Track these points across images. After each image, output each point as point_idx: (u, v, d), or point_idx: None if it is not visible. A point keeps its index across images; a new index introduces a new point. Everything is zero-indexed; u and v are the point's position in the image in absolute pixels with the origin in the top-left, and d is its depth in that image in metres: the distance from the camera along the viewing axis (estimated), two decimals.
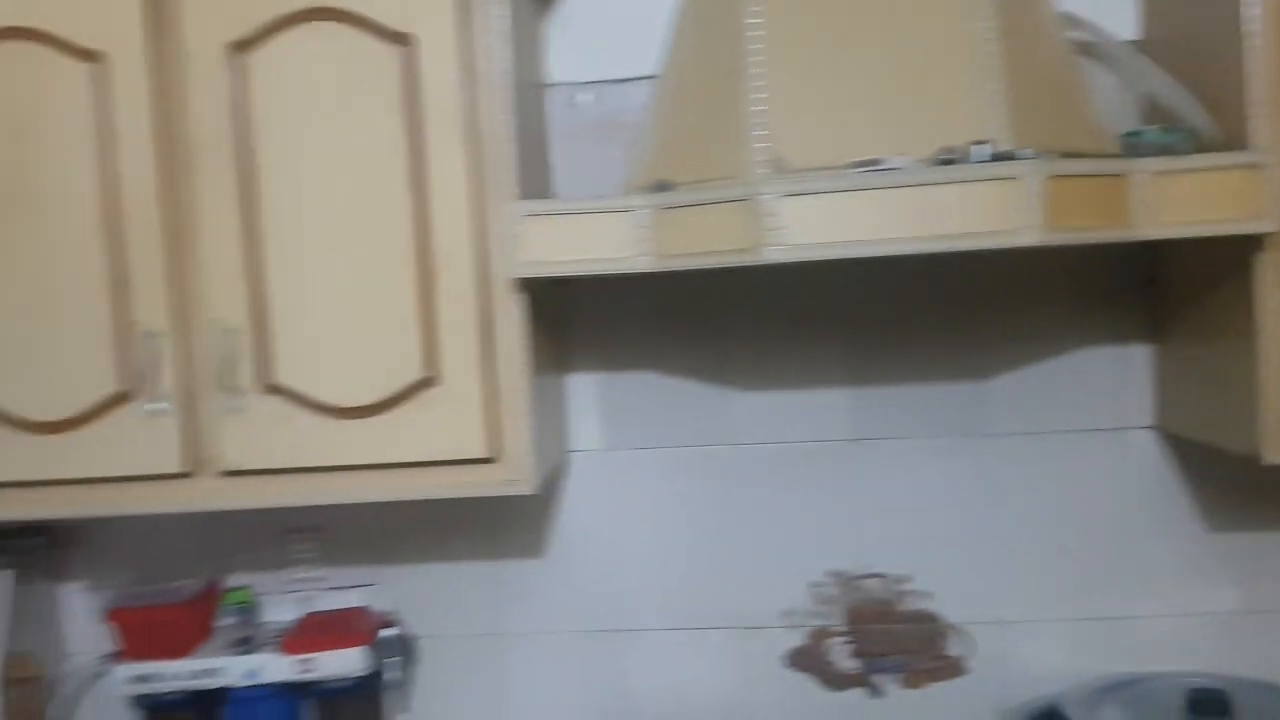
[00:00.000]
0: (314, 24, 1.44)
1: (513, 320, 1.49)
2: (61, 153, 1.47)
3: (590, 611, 1.85)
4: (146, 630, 1.76)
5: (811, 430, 1.78)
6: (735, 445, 1.80)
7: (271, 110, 1.46)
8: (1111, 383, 1.75)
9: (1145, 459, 1.75)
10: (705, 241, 1.33)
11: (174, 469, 1.50)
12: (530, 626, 1.86)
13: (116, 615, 1.76)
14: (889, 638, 1.80)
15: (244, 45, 1.45)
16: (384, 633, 1.79)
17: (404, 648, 1.82)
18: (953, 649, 1.78)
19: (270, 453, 1.50)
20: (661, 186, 1.39)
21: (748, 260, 1.30)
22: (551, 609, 1.85)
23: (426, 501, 1.79)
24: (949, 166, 1.30)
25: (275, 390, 1.49)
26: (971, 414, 1.77)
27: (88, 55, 1.46)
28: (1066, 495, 1.76)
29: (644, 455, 1.82)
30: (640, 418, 1.81)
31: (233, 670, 1.74)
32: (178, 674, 1.74)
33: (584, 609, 1.85)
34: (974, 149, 1.30)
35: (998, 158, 1.30)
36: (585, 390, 1.83)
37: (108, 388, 1.49)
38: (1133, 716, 1.54)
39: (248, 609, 1.81)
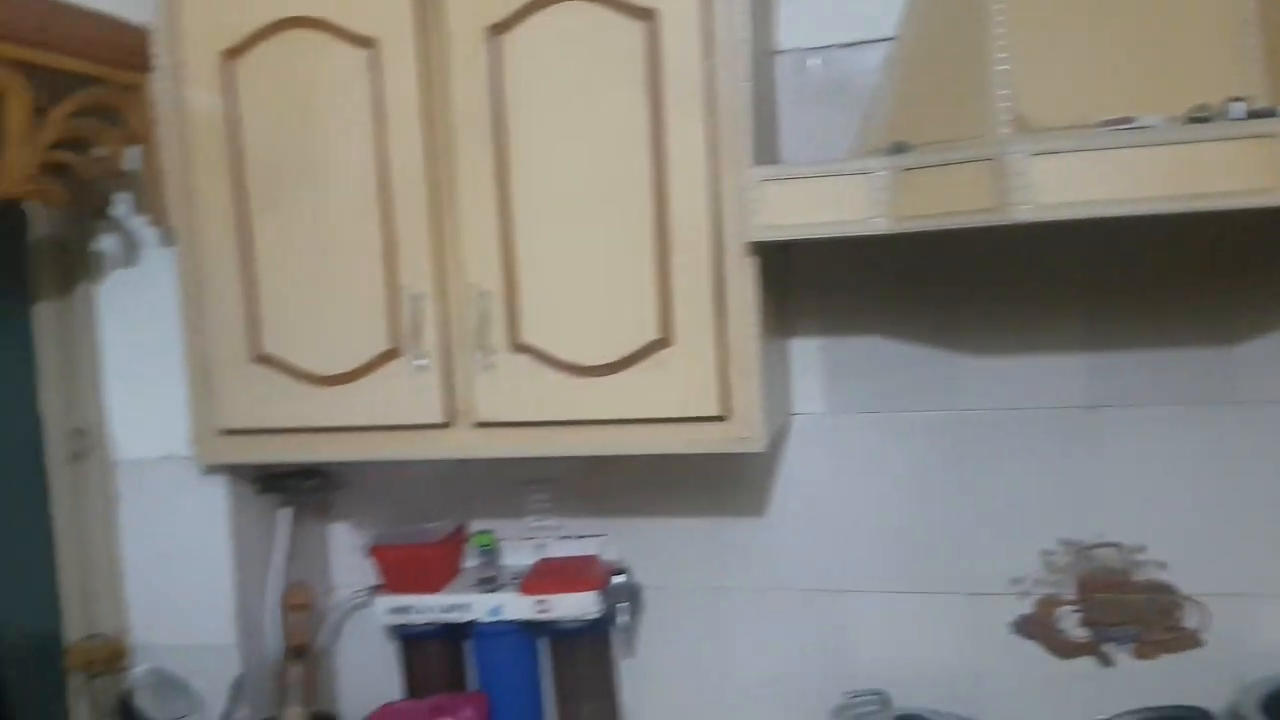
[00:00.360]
0: (565, 4, 1.53)
1: (745, 283, 1.55)
2: (340, 131, 1.62)
3: (810, 571, 1.89)
4: (404, 566, 1.93)
5: (1046, 396, 1.75)
6: (965, 410, 1.79)
7: (524, 87, 1.56)
8: None
9: None
10: (947, 203, 1.34)
11: (434, 419, 1.64)
12: (750, 582, 1.92)
13: (378, 552, 1.94)
14: (1121, 607, 1.76)
15: (501, 27, 1.56)
16: (614, 580, 1.90)
17: (632, 595, 1.92)
18: (1188, 621, 1.73)
19: (518, 407, 1.62)
20: (899, 149, 1.40)
21: (993, 220, 1.30)
22: (771, 566, 1.91)
23: (654, 460, 1.90)
24: (1204, 124, 1.26)
25: (523, 349, 1.60)
26: (1215, 381, 1.70)
27: (363, 41, 1.60)
28: None
29: (868, 419, 1.84)
30: (865, 382, 1.83)
31: (478, 606, 1.89)
32: (430, 607, 1.90)
33: (804, 568, 1.89)
34: (1230, 106, 1.26)
35: (1254, 115, 1.25)
36: (809, 353, 1.86)
37: (380, 345, 1.64)
38: None
39: (491, 551, 1.95)
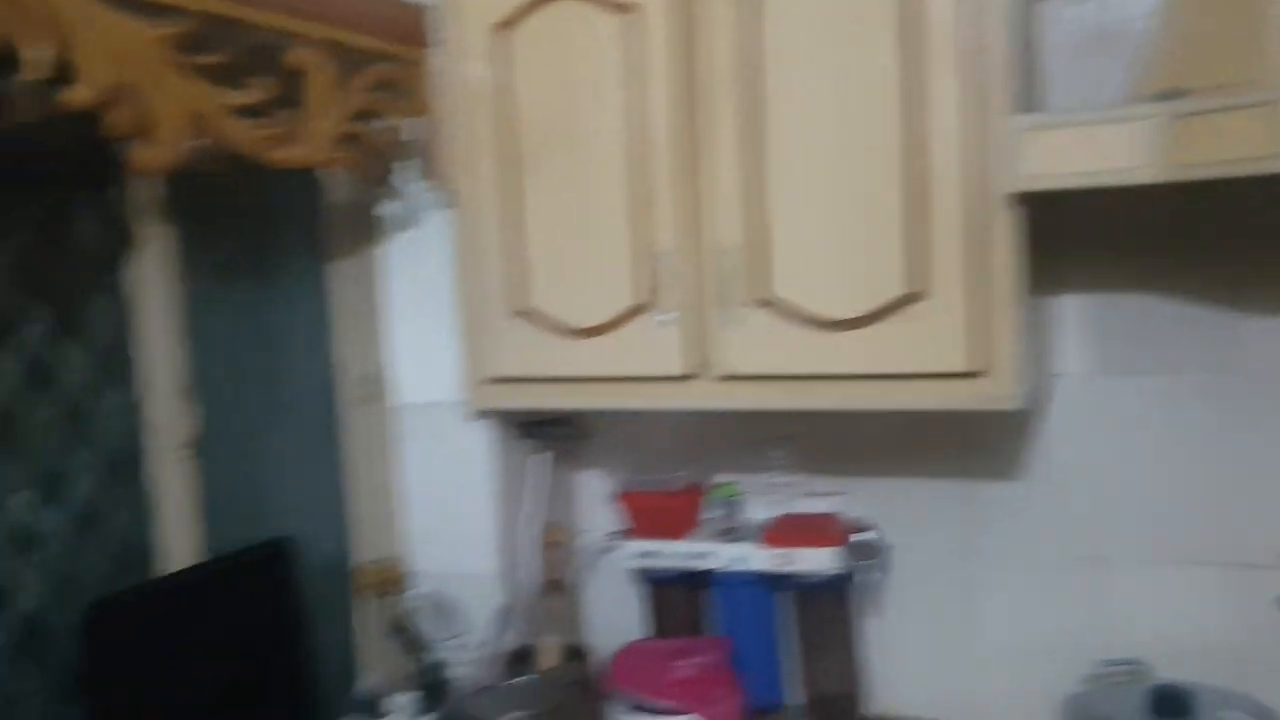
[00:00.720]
0: None
1: (1005, 235, 1.52)
2: (599, 97, 1.71)
3: (1069, 538, 1.84)
4: (650, 513, 2.02)
5: None
6: (1237, 372, 1.70)
7: (780, 42, 1.59)
8: None
9: None
10: (1222, 150, 1.28)
11: (678, 372, 1.71)
12: (1001, 547, 1.89)
13: (627, 498, 2.05)
14: None
15: None
16: (858, 537, 1.91)
17: (876, 553, 1.93)
18: None
19: (762, 360, 1.66)
20: (1171, 94, 1.34)
21: (1272, 169, 1.23)
22: (1026, 532, 1.87)
23: (901, 418, 1.90)
24: None
25: (770, 303, 1.64)
26: None
27: (621, 9, 1.68)
28: None
29: (1134, 381, 1.77)
30: (1131, 341, 1.76)
31: (720, 555, 1.96)
32: (674, 553, 1.99)
33: (1062, 535, 1.84)
34: None
35: None
36: (1071, 311, 1.80)
37: (628, 300, 1.73)
38: None
39: (733, 502, 2.01)
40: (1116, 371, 1.78)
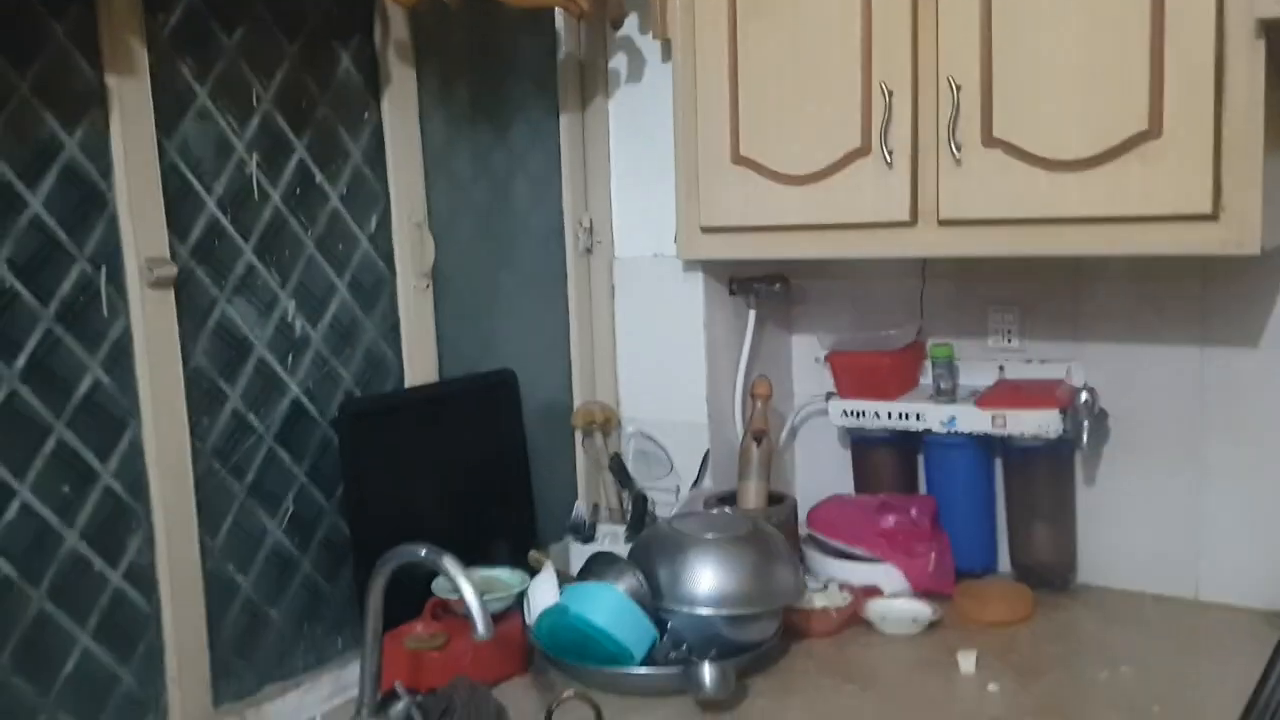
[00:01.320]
0: None
1: (1250, 68, 1.42)
2: None
3: None
4: (859, 373, 2.03)
5: None
6: None
7: None
8: None
9: None
10: None
11: (900, 217, 1.70)
12: (1233, 419, 1.79)
13: (835, 358, 2.06)
14: None
15: None
16: (1079, 400, 1.85)
17: (1095, 418, 1.86)
18: None
19: (988, 203, 1.63)
20: None
21: None
22: (1260, 402, 1.76)
23: (1129, 281, 1.83)
24: None
25: (996, 143, 1.60)
26: None
27: None
28: None
29: None
30: None
31: (932, 416, 1.94)
32: (884, 413, 1.99)
33: None
34: None
35: None
36: None
37: (850, 143, 1.72)
38: None
39: (949, 363, 1.98)
40: None
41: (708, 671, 1.52)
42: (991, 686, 1.58)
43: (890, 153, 1.67)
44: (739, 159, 1.83)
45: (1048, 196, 1.57)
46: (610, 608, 1.61)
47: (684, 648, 1.60)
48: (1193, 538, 1.84)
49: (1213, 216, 1.47)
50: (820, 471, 2.17)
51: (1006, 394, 1.91)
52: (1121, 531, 1.90)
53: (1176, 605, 1.83)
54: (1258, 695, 1.50)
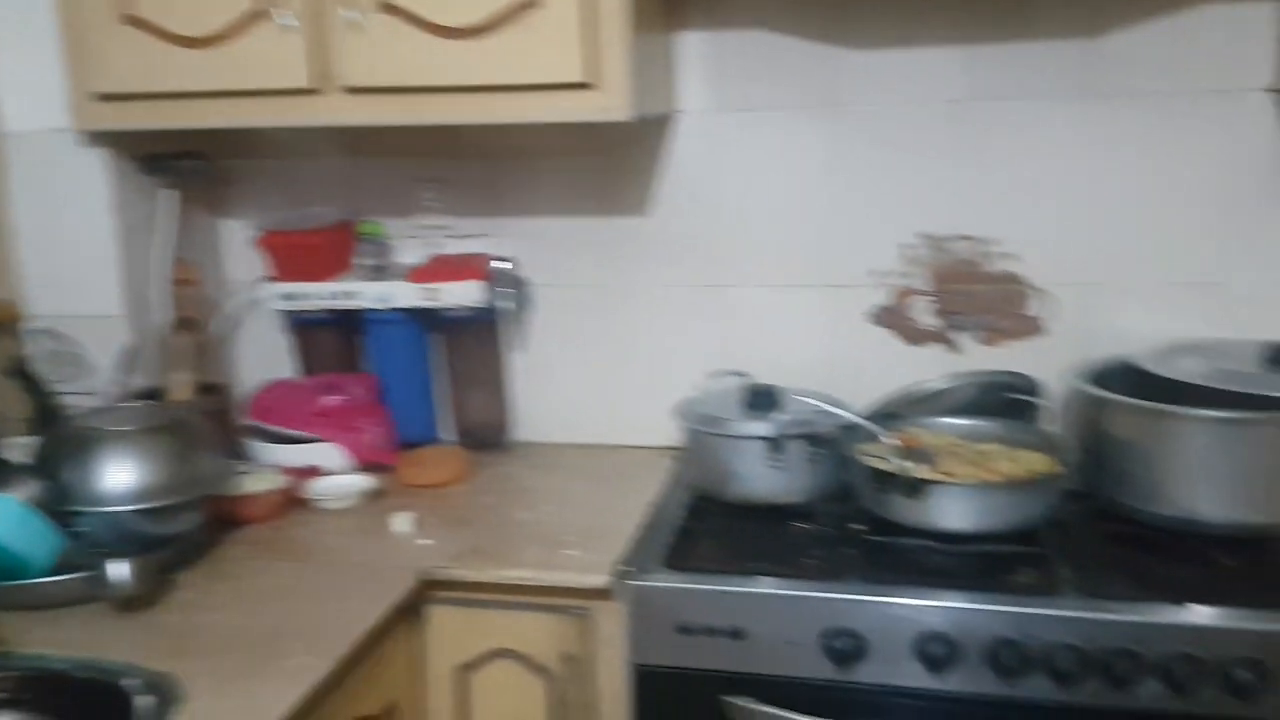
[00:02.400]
0: None
1: None
2: None
3: (694, 267, 1.96)
4: (292, 254, 1.98)
5: (921, 92, 1.79)
6: (844, 106, 1.83)
7: None
8: (1229, 43, 1.68)
9: (1259, 122, 1.69)
10: None
11: (302, 84, 1.65)
12: (637, 280, 1.99)
13: (267, 239, 1.99)
14: (971, 298, 1.85)
15: None
16: (499, 268, 1.95)
17: (516, 284, 1.99)
18: (1034, 310, 1.82)
19: (386, 71, 1.64)
20: None
21: None
22: (657, 264, 1.97)
23: (541, 158, 1.95)
24: None
25: (390, 8, 1.60)
26: (1082, 74, 1.74)
27: None
28: (1174, 159, 1.74)
29: (752, 116, 1.87)
30: (749, 77, 1.85)
31: (367, 294, 1.96)
32: (320, 294, 1.97)
33: (688, 265, 1.96)
34: None
35: None
36: (695, 49, 1.87)
37: (245, 3, 1.64)
38: (1210, 366, 1.56)
39: (379, 240, 2.00)
40: (736, 107, 1.87)
41: (112, 569, 1.42)
42: (424, 541, 1.65)
43: (288, 15, 1.62)
44: (128, 17, 1.67)
45: (441, 65, 1.61)
46: (3, 519, 1.45)
47: (102, 551, 1.49)
48: (607, 390, 2.04)
49: (588, 85, 1.59)
50: (264, 358, 2.11)
51: (436, 269, 1.97)
52: (551, 391, 2.07)
53: (596, 451, 2.03)
54: (657, 509, 1.73)
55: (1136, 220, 1.76)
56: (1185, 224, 1.75)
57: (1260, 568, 1.43)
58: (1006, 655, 1.35)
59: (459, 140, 1.98)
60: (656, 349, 2.00)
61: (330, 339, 2.06)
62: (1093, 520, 1.58)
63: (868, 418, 1.65)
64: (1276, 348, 1.55)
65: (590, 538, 1.63)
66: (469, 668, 1.57)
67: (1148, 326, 1.76)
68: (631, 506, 1.73)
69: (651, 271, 1.98)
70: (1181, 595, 1.36)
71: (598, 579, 1.51)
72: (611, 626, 1.53)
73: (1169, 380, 1.54)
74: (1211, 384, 1.49)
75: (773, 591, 1.46)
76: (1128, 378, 1.62)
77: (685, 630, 1.47)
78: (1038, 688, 1.35)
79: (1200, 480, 1.46)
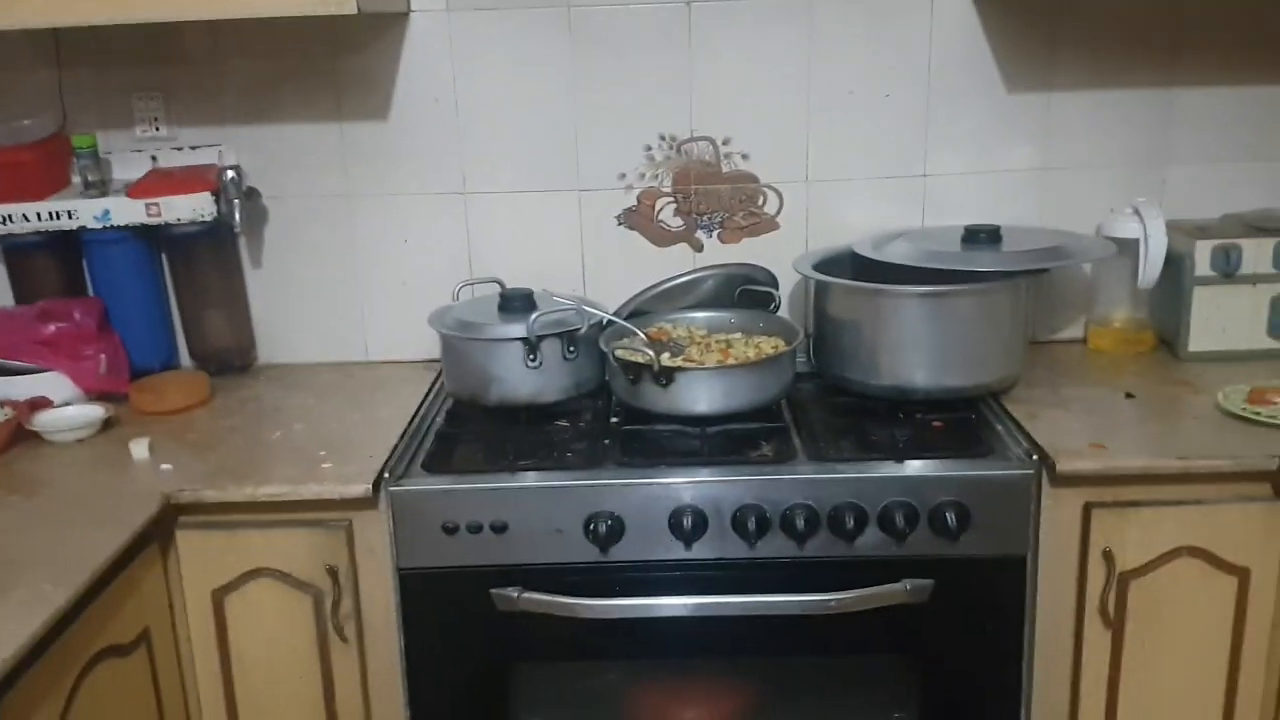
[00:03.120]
0: None
1: None
2: None
3: (440, 174, 1.94)
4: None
5: None
6: (579, 6, 1.85)
7: None
8: None
9: (959, 22, 1.85)
10: None
11: None
12: (380, 189, 1.95)
13: None
14: (711, 198, 1.93)
15: None
16: (228, 179, 1.86)
17: (249, 195, 1.90)
18: (768, 207, 1.93)
19: None
20: None
21: None
22: (400, 172, 1.94)
23: (266, 60, 1.85)
24: None
25: None
26: None
27: None
28: (881, 58, 1.87)
29: (487, 17, 1.85)
30: None
31: (85, 212, 1.83)
32: (33, 215, 1.81)
33: (433, 172, 1.94)
34: None
35: None
36: None
37: None
38: (916, 249, 1.71)
39: (94, 155, 1.85)
40: (469, 6, 1.85)
41: None
42: (165, 466, 1.58)
43: None
44: None
45: None
46: None
47: None
48: (353, 304, 2.00)
49: None
50: None
51: (158, 182, 1.86)
52: (295, 309, 2.00)
53: (349, 369, 2.00)
54: (416, 419, 1.73)
55: (849, 118, 1.89)
56: (893, 121, 1.89)
57: (964, 425, 1.60)
58: (750, 520, 1.45)
59: (180, 44, 1.86)
60: (404, 260, 1.98)
61: (48, 262, 1.90)
62: (822, 395, 1.72)
63: (619, 315, 1.71)
64: (970, 230, 1.72)
65: (347, 451, 1.60)
66: (226, 590, 1.53)
67: (866, 217, 1.90)
68: (388, 419, 1.72)
69: (395, 179, 1.95)
70: (898, 454, 1.50)
71: (357, 489, 1.50)
72: (374, 536, 1.53)
73: (882, 264, 1.69)
74: (917, 264, 1.64)
75: (534, 484, 1.51)
76: (847, 264, 1.76)
77: (449, 530, 1.50)
78: (778, 547, 1.47)
79: (910, 352, 1.61)
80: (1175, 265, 1.79)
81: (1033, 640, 1.53)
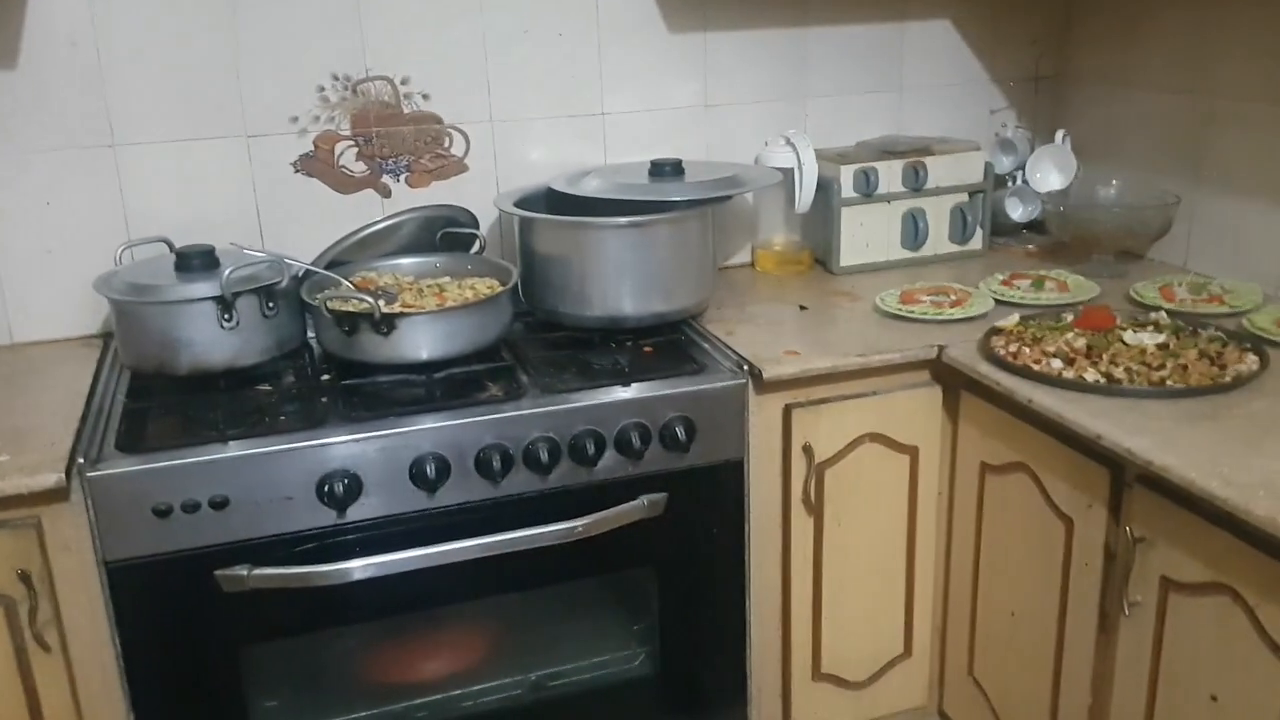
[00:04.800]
0: None
1: None
2: None
3: (80, 126, 1.72)
4: None
5: None
6: None
7: None
8: None
9: None
10: None
11: None
12: (9, 145, 1.70)
13: None
14: (394, 140, 1.87)
15: None
16: None
17: None
18: (454, 149, 1.91)
19: None
20: None
21: None
22: (31, 126, 1.70)
23: None
24: None
25: None
26: None
27: None
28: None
29: None
30: None
31: None
32: None
33: (72, 124, 1.72)
34: None
35: None
36: None
37: None
38: (610, 183, 1.77)
39: None
40: None
41: None
42: None
43: None
44: None
45: None
46: None
47: None
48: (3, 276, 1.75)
49: None
50: None
51: None
52: None
53: None
54: (93, 398, 1.54)
55: (527, 57, 1.91)
56: (569, 60, 1.94)
57: (675, 347, 1.70)
58: (494, 460, 1.46)
59: None
60: (48, 226, 1.75)
61: None
62: (539, 332, 1.75)
63: (318, 266, 1.62)
64: (655, 163, 1.80)
65: (21, 442, 1.41)
66: None
67: (552, 156, 1.94)
68: (59, 403, 1.53)
69: (28, 135, 1.71)
70: (624, 378, 1.57)
71: (46, 479, 1.32)
72: (69, 530, 1.37)
73: (580, 198, 1.74)
74: (614, 197, 1.71)
75: (255, 452, 1.41)
76: (547, 201, 1.79)
77: (161, 512, 1.37)
78: (523, 482, 1.49)
79: (618, 282, 1.68)
80: (824, 189, 2.00)
81: (749, 535, 1.67)
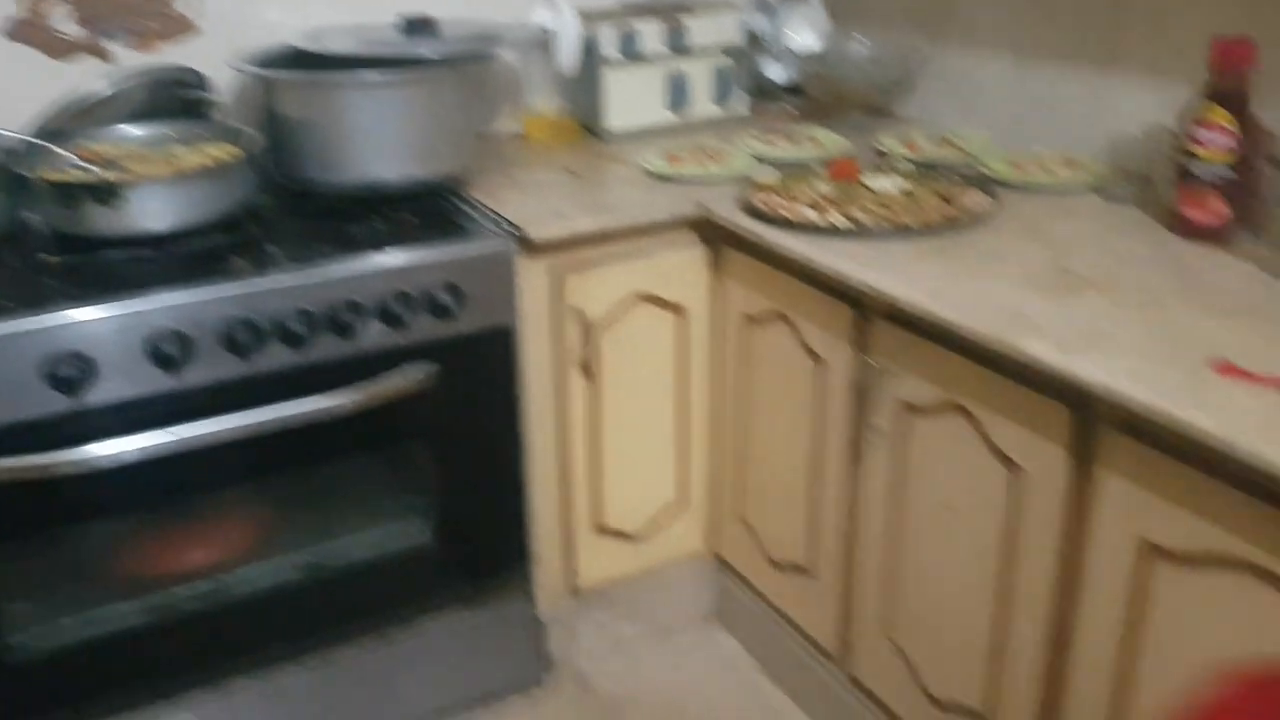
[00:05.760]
0: None
1: None
2: None
3: None
4: None
5: None
6: None
7: None
8: None
9: None
10: None
11: None
12: None
13: None
14: (111, 1, 1.70)
15: None
16: None
17: None
18: (179, 7, 1.75)
19: None
20: None
21: None
22: None
23: None
24: None
25: None
26: None
27: None
28: None
29: None
30: None
31: None
32: None
33: None
34: None
35: None
36: None
37: None
38: (359, 40, 1.66)
39: None
40: None
41: None
42: None
43: None
44: None
45: None
46: None
47: None
48: None
49: None
50: None
51: None
52: None
53: None
54: None
55: None
56: None
57: (438, 212, 1.64)
58: (241, 336, 1.38)
59: None
60: None
61: None
62: (286, 200, 1.65)
63: (31, 137, 1.47)
64: (408, 20, 1.71)
65: None
66: None
67: (290, 16, 1.81)
68: None
69: None
70: (380, 245, 1.51)
71: None
72: None
73: (328, 57, 1.63)
74: (365, 54, 1.61)
75: None
76: (291, 60, 1.67)
77: None
78: (276, 357, 1.42)
79: (376, 144, 1.60)
80: (588, 52, 1.96)
81: (525, 400, 1.67)
